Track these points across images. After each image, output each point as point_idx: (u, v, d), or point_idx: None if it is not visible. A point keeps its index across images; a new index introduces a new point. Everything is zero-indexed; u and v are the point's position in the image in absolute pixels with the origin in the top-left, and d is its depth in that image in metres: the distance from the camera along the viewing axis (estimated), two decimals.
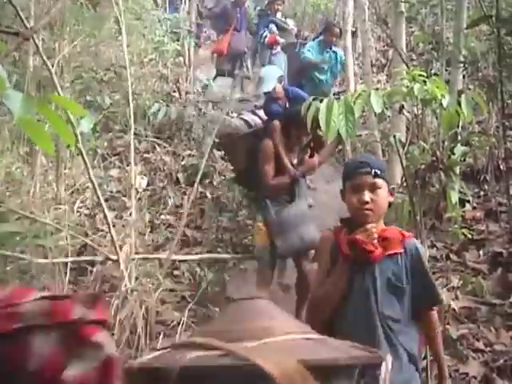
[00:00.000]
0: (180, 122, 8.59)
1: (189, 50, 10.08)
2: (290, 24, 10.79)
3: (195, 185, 5.82)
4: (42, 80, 6.27)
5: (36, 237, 4.79)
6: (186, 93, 9.15)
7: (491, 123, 6.96)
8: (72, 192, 6.03)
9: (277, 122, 5.09)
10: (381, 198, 2.77)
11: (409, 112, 4.83)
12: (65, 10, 5.90)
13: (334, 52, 8.47)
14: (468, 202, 6.20)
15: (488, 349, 4.35)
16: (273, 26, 10.31)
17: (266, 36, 10.21)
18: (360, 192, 2.75)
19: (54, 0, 5.89)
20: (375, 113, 3.84)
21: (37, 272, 4.86)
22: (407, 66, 5.92)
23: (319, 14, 14.17)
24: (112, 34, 8.57)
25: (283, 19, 10.71)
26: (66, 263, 4.89)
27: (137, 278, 4.95)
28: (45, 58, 4.37)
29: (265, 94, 6.31)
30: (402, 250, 2.73)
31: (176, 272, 5.94)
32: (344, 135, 3.69)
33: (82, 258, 5.25)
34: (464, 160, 6.01)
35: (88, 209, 6.22)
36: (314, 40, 8.98)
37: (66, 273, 4.75)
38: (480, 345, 4.38)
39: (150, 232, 6.25)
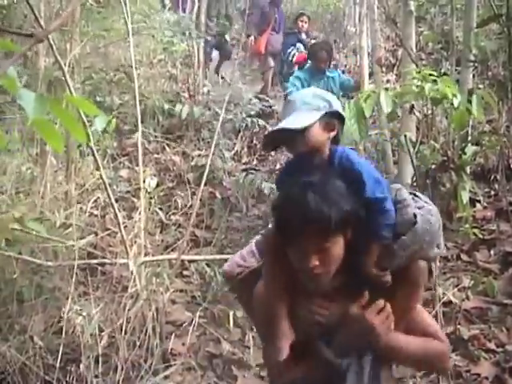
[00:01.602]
0: (190, 122, 8.61)
1: (198, 50, 10.06)
2: None
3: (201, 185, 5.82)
4: (52, 80, 6.29)
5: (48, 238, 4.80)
6: (197, 93, 9.15)
7: (501, 122, 6.93)
8: (82, 192, 6.03)
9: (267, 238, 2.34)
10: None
11: (419, 111, 4.82)
12: (75, 11, 5.91)
13: (328, 77, 7.43)
14: (479, 201, 6.17)
15: (500, 349, 4.33)
16: (300, 46, 9.79)
17: (293, 54, 9.63)
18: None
19: (64, 1, 5.90)
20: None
21: (47, 272, 4.87)
22: (417, 65, 5.90)
23: (328, 14, 14.17)
24: (121, 35, 8.58)
25: (308, 40, 10.25)
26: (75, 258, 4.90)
27: (147, 279, 4.95)
28: (58, 57, 4.38)
29: None
30: None
31: (185, 272, 5.95)
32: (357, 139, 3.69)
33: (95, 260, 5.24)
34: (474, 159, 5.99)
35: (98, 209, 6.23)
36: (300, 68, 8.31)
37: (75, 273, 4.75)
38: (492, 345, 4.36)
39: (160, 232, 6.25)
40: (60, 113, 1.60)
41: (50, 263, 4.76)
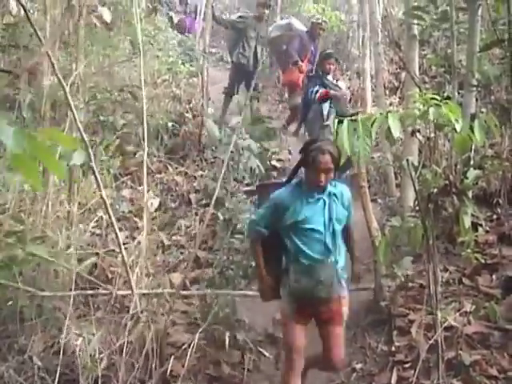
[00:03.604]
0: (193, 143, 8.63)
1: (202, 71, 10.09)
2: (343, 87, 9.31)
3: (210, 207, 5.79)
4: (56, 100, 6.31)
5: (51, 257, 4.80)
6: (201, 114, 9.18)
7: (504, 146, 6.95)
8: (84, 212, 6.03)
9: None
10: None
11: (421, 135, 4.82)
12: (79, 30, 5.95)
13: (330, 195, 4.14)
14: (481, 225, 6.16)
15: (502, 375, 4.29)
16: (322, 90, 8.85)
17: (317, 91, 8.74)
18: None
19: (69, 21, 5.93)
20: (387, 135, 3.84)
21: (48, 291, 4.86)
22: (420, 88, 5.92)
23: (332, 36, 14.22)
24: (126, 55, 8.63)
25: (334, 81, 9.22)
26: (76, 282, 4.88)
27: (148, 299, 4.94)
28: (60, 77, 4.40)
29: None
30: None
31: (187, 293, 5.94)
32: (362, 157, 3.70)
33: (91, 291, 5.23)
34: (477, 184, 6.00)
35: (100, 228, 6.22)
36: (287, 182, 4.35)
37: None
38: (493, 371, 4.33)
39: (162, 253, 6.25)
40: (36, 148, 1.63)
41: (46, 293, 4.74)
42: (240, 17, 11.44)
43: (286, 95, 12.19)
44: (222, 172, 5.58)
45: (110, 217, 4.78)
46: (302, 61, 10.61)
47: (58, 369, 4.19)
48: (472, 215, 5.49)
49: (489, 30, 7.00)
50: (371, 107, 7.63)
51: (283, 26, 11.27)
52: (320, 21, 10.95)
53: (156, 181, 7.93)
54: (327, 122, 8.39)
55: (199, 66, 9.97)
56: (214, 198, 5.34)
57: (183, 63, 10.05)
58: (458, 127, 3.67)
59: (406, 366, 4.70)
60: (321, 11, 13.05)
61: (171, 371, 4.68)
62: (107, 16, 5.78)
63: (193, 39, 11.59)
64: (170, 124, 8.67)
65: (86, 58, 6.54)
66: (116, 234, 4.80)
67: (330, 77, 8.98)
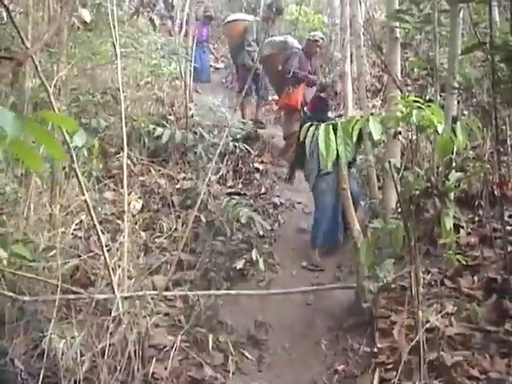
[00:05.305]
0: (175, 145, 8.60)
1: (185, 73, 10.07)
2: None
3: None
4: (38, 102, 6.28)
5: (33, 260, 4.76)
6: (184, 116, 9.15)
7: (485, 149, 7.00)
8: (66, 214, 5.99)
9: None
10: None
11: (404, 137, 4.84)
12: (62, 32, 5.92)
13: None
14: (462, 227, 6.20)
15: (483, 376, 4.31)
16: None
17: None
18: None
19: (51, 23, 5.90)
20: (370, 137, 3.85)
21: (29, 294, 4.82)
22: (402, 91, 5.94)
23: None
24: (109, 58, 8.59)
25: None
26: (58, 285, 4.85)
27: (130, 302, 4.92)
28: (43, 78, 4.38)
29: None
30: None
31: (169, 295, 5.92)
32: (343, 159, 3.71)
33: (73, 295, 5.19)
34: (458, 186, 6.02)
35: (82, 231, 6.19)
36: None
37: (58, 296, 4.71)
38: (475, 372, 4.35)
39: (144, 255, 6.22)
40: (36, 130, 1.60)
41: (26, 298, 4.69)
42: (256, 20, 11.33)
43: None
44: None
45: (92, 219, 4.76)
46: (299, 84, 9.99)
47: (42, 371, 4.17)
48: (454, 217, 5.50)
49: (470, 33, 7.04)
50: (353, 110, 7.65)
51: (277, 44, 10.56)
52: (317, 37, 10.15)
53: (138, 183, 7.90)
54: (329, 169, 6.62)
55: (182, 68, 9.95)
56: (199, 200, 5.33)
57: (166, 66, 10.01)
58: (440, 129, 3.69)
59: (388, 367, 4.70)
60: (303, 13, 13.08)
61: (153, 373, 4.67)
62: (87, 16, 5.75)
63: (174, 41, 11.54)
64: (152, 126, 8.64)
65: (69, 60, 6.51)
66: (98, 236, 4.78)
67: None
